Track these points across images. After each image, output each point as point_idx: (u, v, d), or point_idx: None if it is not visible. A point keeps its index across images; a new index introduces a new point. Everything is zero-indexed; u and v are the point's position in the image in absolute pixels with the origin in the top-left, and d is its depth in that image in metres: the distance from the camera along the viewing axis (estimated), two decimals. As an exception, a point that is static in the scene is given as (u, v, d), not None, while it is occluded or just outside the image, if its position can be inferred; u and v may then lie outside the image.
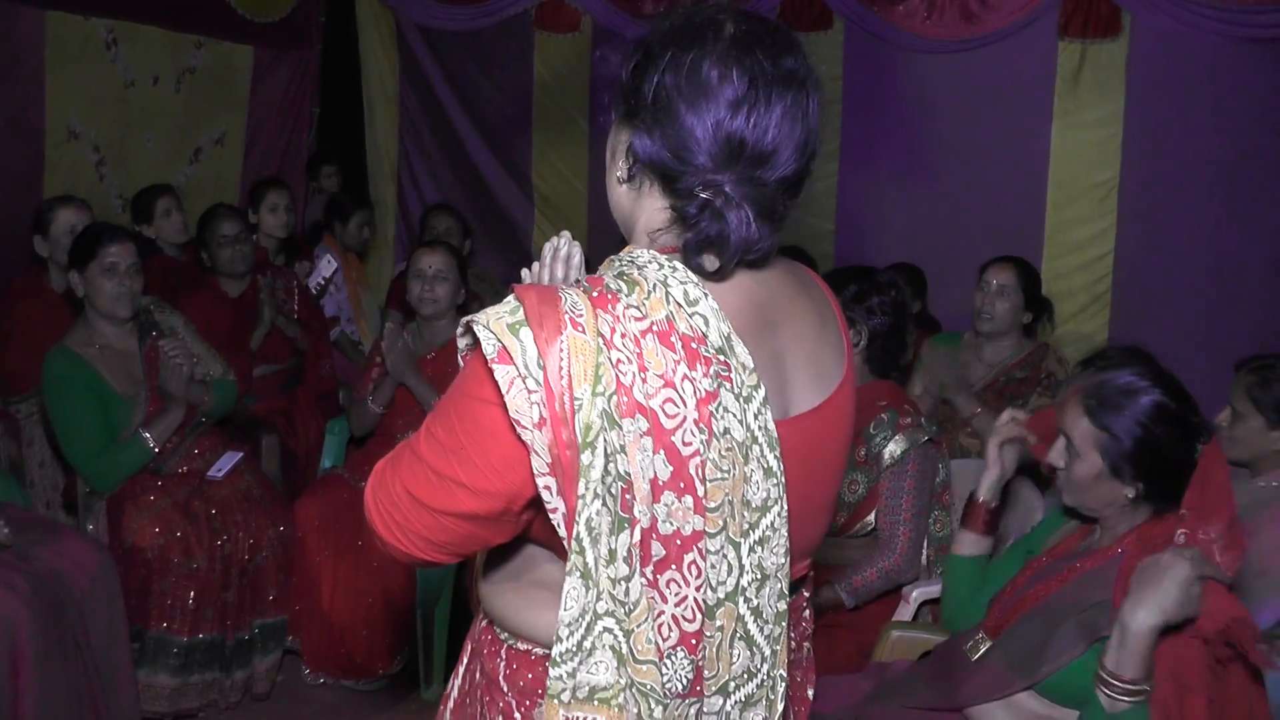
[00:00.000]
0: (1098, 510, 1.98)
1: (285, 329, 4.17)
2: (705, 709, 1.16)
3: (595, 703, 1.11)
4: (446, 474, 1.14)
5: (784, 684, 1.20)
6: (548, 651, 1.15)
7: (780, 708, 1.20)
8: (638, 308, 1.12)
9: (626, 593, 1.10)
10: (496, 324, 1.10)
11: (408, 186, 6.77)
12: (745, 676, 1.17)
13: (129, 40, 5.43)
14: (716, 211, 1.13)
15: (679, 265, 1.16)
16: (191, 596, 3.03)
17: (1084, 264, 5.20)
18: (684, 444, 1.10)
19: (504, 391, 1.08)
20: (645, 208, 1.22)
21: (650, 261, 1.17)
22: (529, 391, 1.08)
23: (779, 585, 1.17)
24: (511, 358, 1.08)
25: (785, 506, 1.16)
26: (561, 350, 1.08)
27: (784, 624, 1.19)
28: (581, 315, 1.10)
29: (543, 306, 1.10)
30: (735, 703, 1.17)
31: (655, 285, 1.14)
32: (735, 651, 1.16)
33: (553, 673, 1.11)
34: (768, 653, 1.18)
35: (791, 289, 1.27)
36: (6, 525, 2.66)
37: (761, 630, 1.17)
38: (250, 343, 4.04)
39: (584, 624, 1.10)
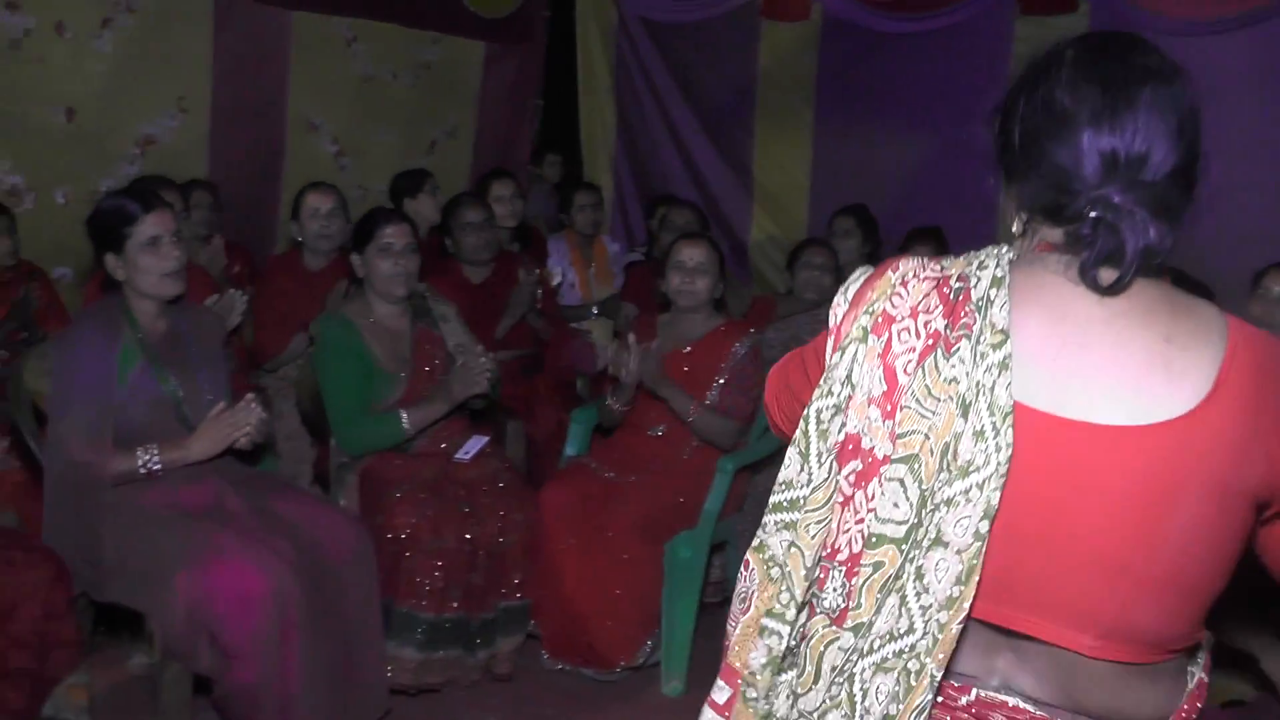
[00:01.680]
0: None
1: (532, 321, 4.23)
2: (841, 644, 1.19)
3: (765, 562, 1.26)
4: (809, 367, 1.37)
5: (932, 680, 1.14)
6: None
7: (919, 700, 1.13)
8: (944, 268, 1.26)
9: (815, 487, 1.24)
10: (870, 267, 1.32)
11: (624, 177, 6.77)
12: (887, 638, 1.15)
13: (368, 37, 5.62)
14: (1110, 225, 1.13)
15: (1006, 249, 1.26)
16: (439, 575, 3.07)
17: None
18: (903, 372, 1.20)
19: (832, 306, 1.32)
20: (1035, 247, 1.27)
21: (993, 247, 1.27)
22: (836, 307, 1.30)
23: (959, 567, 1.13)
24: (843, 286, 1.32)
25: (994, 485, 1.12)
26: (874, 285, 1.26)
27: (956, 616, 1.13)
28: (903, 264, 1.28)
29: (891, 260, 1.30)
30: (871, 663, 1.16)
31: (969, 258, 1.26)
32: (887, 603, 1.16)
33: (764, 517, 1.28)
34: (920, 629, 1.14)
35: (1145, 304, 1.18)
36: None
37: (919, 598, 1.15)
38: (495, 331, 4.12)
39: (789, 497, 1.26)
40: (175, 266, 2.81)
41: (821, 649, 1.20)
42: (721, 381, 3.46)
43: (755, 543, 1.28)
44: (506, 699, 3.24)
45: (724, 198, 6.43)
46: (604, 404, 3.62)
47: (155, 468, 2.75)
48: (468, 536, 3.12)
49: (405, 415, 3.28)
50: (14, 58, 4.51)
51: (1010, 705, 1.22)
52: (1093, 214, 1.14)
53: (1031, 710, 1.21)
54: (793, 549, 1.24)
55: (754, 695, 1.26)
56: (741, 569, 1.29)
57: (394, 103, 5.77)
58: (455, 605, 3.12)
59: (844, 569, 1.20)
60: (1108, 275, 1.15)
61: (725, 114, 6.37)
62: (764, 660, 1.25)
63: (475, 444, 3.39)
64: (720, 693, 1.29)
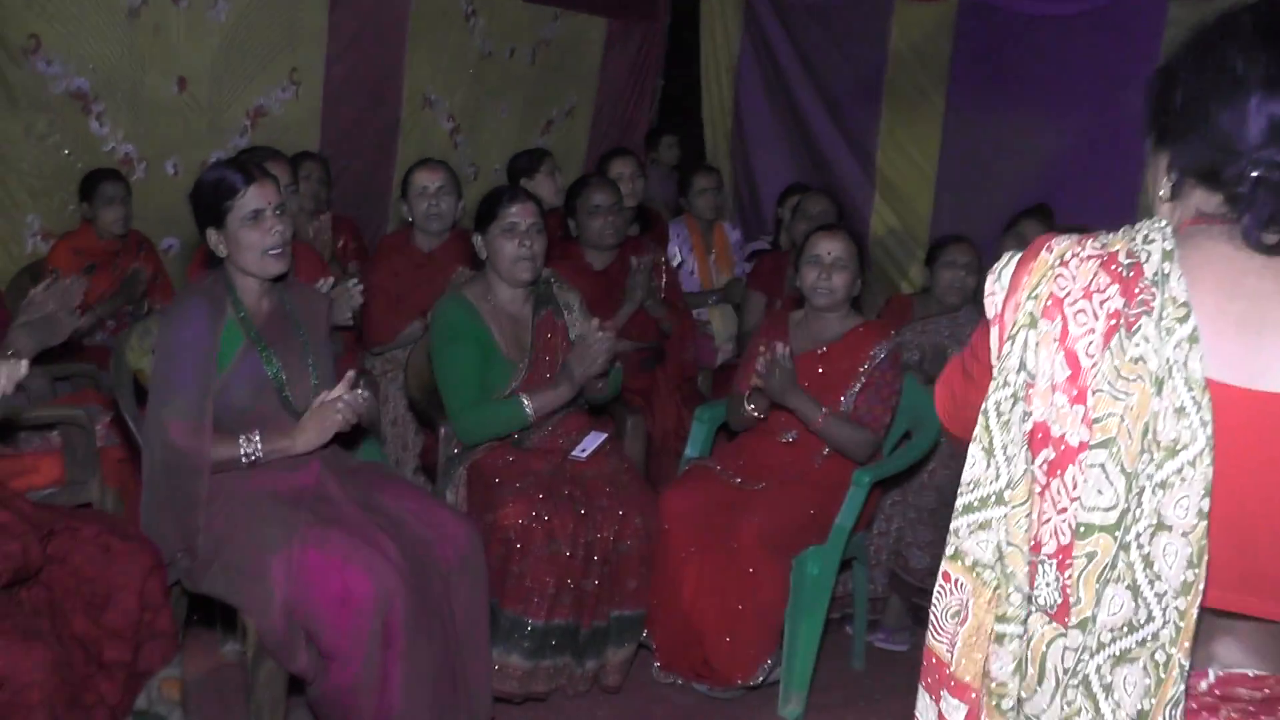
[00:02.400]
0: None
1: (651, 310, 4.01)
2: (1068, 644, 1.16)
3: (973, 574, 1.25)
4: (969, 368, 1.36)
5: (1181, 670, 1.12)
6: None
7: (1172, 692, 1.11)
8: (1104, 245, 1.22)
9: (1013, 481, 1.22)
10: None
11: (742, 161, 6.54)
12: (1125, 629, 1.13)
13: (488, 12, 5.53)
14: (1273, 185, 1.14)
15: (1163, 222, 1.22)
16: (551, 580, 2.90)
17: None
18: (1086, 355, 1.17)
19: (985, 295, 1.29)
20: (1184, 215, 1.26)
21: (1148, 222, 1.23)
22: (993, 295, 1.28)
23: (1188, 550, 1.11)
24: (995, 269, 1.29)
25: (1207, 461, 1.10)
26: (1029, 267, 1.24)
27: (1194, 601, 1.11)
28: (1058, 244, 1.24)
29: (1044, 238, 1.26)
30: (1107, 658, 1.14)
31: (1127, 233, 1.22)
32: (1106, 593, 1.14)
33: (952, 524, 1.27)
34: (1160, 618, 1.12)
35: None
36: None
37: (1152, 586, 1.12)
38: (614, 320, 3.87)
39: (979, 496, 1.24)
40: (279, 242, 2.65)
41: (1044, 648, 1.19)
42: (858, 387, 3.20)
43: (950, 551, 1.29)
44: (614, 711, 3.08)
45: (845, 186, 6.15)
46: (732, 403, 3.38)
47: (257, 458, 2.61)
48: (583, 541, 2.93)
49: (528, 402, 3.11)
50: (131, 26, 4.53)
51: (1251, 676, 1.20)
52: (1254, 174, 1.14)
53: (1272, 673, 1.20)
54: (1008, 548, 1.23)
55: (1009, 705, 1.23)
56: (941, 581, 1.29)
57: (512, 80, 5.67)
58: (566, 612, 2.94)
59: (1054, 562, 1.19)
60: (1271, 236, 1.15)
61: (850, 98, 6.11)
62: (1012, 667, 1.23)
63: (593, 440, 3.20)
64: (956, 712, 1.28)
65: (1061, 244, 1.24)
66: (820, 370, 3.24)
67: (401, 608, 2.43)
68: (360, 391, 2.68)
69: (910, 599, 3.55)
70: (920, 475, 3.49)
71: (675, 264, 4.57)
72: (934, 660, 1.30)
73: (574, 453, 3.18)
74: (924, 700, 1.33)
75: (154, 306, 4.27)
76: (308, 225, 4.18)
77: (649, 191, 5.84)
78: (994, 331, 1.27)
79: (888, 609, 3.61)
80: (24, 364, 2.18)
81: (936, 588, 1.29)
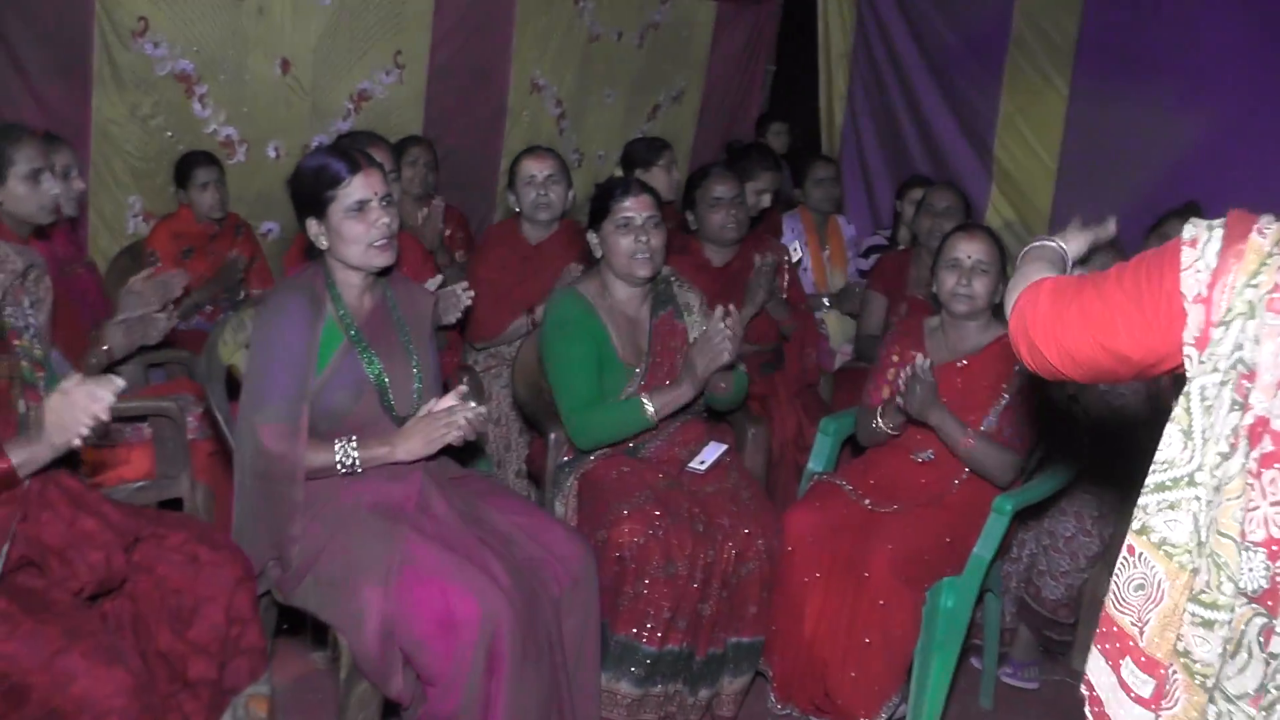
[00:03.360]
0: None
1: (774, 311, 3.75)
2: (1277, 629, 1.19)
3: (1161, 552, 1.28)
4: (1118, 313, 1.35)
5: None
6: None
7: None
8: None
9: (1223, 469, 1.23)
10: (1201, 222, 1.32)
11: (853, 150, 6.25)
12: None
13: (597, -6, 5.33)
14: None
15: None
16: (667, 605, 2.67)
17: None
18: None
19: (1182, 269, 1.30)
20: None
21: None
22: (1198, 272, 1.28)
23: None
24: (1197, 244, 1.30)
25: None
26: (1237, 249, 1.25)
27: None
28: (1269, 229, 1.26)
29: (1242, 217, 1.29)
30: None
31: None
32: None
33: (1139, 501, 1.32)
34: None
35: None
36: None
37: None
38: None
39: (1172, 476, 1.29)
40: (385, 235, 2.45)
41: (1243, 627, 1.22)
42: (1003, 404, 2.91)
43: (1136, 526, 1.33)
44: (727, 744, 2.85)
45: (960, 177, 5.81)
46: (862, 416, 3.10)
47: (355, 467, 2.42)
48: (702, 562, 2.69)
49: (648, 402, 2.88)
50: (236, 8, 4.49)
51: None
52: None
53: None
54: (1221, 539, 1.24)
55: (1211, 684, 1.25)
56: (1125, 554, 1.33)
57: (619, 64, 5.50)
58: (681, 637, 2.71)
59: (1263, 551, 1.21)
60: None
61: (968, 83, 5.78)
62: (1219, 650, 1.25)
63: (713, 451, 2.96)
64: (1144, 685, 1.32)
65: (1271, 230, 1.26)
66: (960, 384, 2.95)
67: (508, 633, 2.22)
68: (477, 407, 2.46)
69: (1040, 630, 3.26)
70: (1058, 500, 3.17)
71: (795, 260, 4.30)
72: (1115, 629, 1.35)
73: (692, 464, 2.94)
74: (1098, 662, 1.37)
75: (251, 292, 4.17)
76: (414, 212, 4.02)
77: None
78: (1197, 310, 1.28)
79: (1016, 640, 3.32)
80: (119, 381, 2.01)
81: (1120, 559, 1.34)
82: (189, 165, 4.13)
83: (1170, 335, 1.31)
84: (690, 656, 2.75)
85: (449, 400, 2.45)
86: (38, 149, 2.98)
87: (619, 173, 4.36)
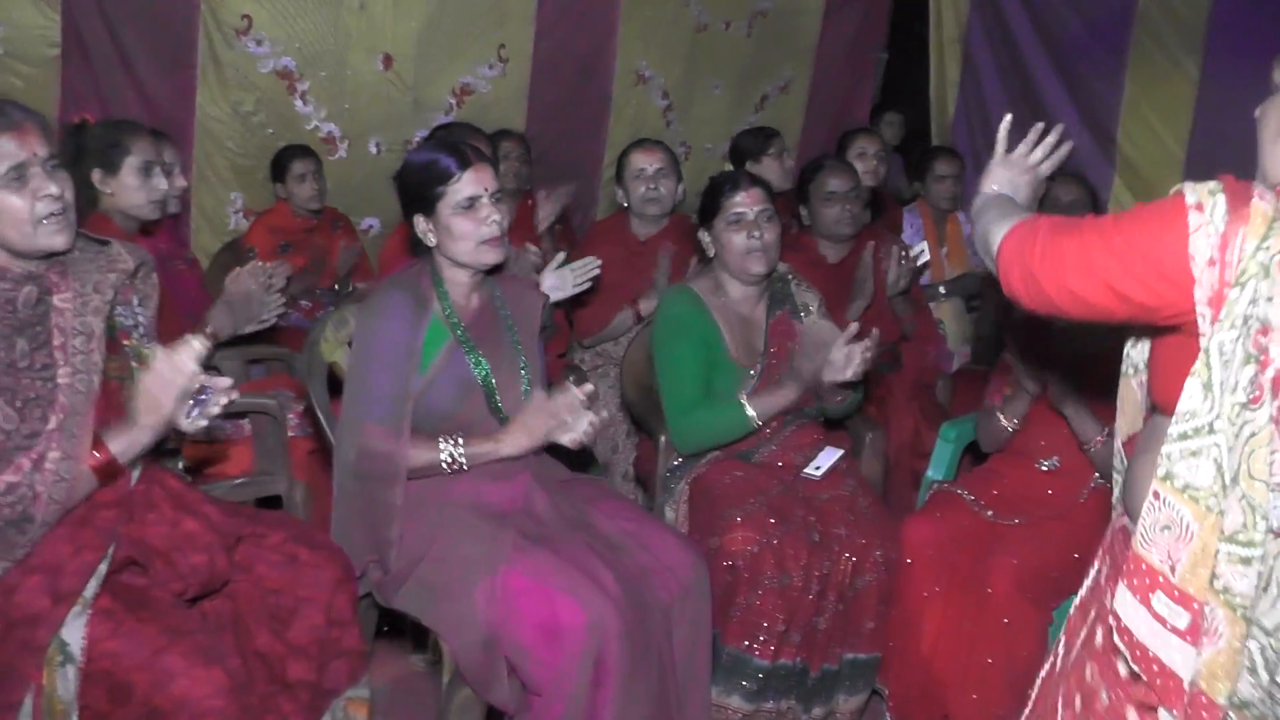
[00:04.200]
0: None
1: (898, 308, 3.65)
2: None
3: (1186, 496, 1.40)
4: (1120, 258, 1.45)
5: None
6: None
7: None
8: None
9: (1243, 417, 1.35)
10: (1200, 187, 1.41)
11: (967, 140, 6.06)
12: None
13: (704, -18, 5.28)
14: None
15: None
16: (781, 617, 2.58)
17: None
18: None
19: (1190, 232, 1.39)
20: None
21: None
22: (1207, 236, 1.38)
23: None
24: (1204, 209, 1.39)
25: None
26: (1243, 214, 1.37)
27: None
28: (1267, 195, 1.39)
29: (1236, 183, 1.42)
30: None
31: None
32: None
33: (1162, 450, 1.42)
34: None
35: None
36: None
37: None
38: (845, 316, 3.52)
39: (1194, 426, 1.39)
40: (496, 232, 2.41)
41: (1272, 562, 1.34)
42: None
43: (1160, 473, 1.42)
44: (842, 765, 2.74)
45: (1081, 167, 5.59)
46: (982, 419, 2.98)
47: (460, 463, 2.38)
48: (817, 573, 2.60)
49: (749, 406, 2.80)
50: (337, 5, 4.56)
51: None
52: None
53: None
54: (1254, 482, 1.33)
55: (1248, 614, 1.35)
56: (1151, 499, 1.43)
57: (726, 54, 5.43)
58: (794, 651, 2.62)
59: None
60: None
61: (1089, 67, 5.56)
62: (1254, 582, 1.34)
63: (829, 457, 2.87)
64: (1179, 618, 1.41)
65: (1269, 197, 1.38)
66: (1097, 376, 2.80)
67: (616, 643, 2.16)
68: (593, 417, 2.42)
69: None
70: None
71: (921, 261, 4.18)
72: (1144, 566, 1.45)
73: (807, 470, 2.85)
74: (1126, 596, 1.47)
75: (354, 287, 4.19)
76: (511, 208, 4.01)
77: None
78: (1210, 272, 1.37)
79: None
80: (197, 344, 1.98)
81: (1146, 504, 1.44)
82: (286, 158, 4.18)
83: (1173, 289, 1.41)
84: (804, 672, 2.66)
85: (575, 395, 2.41)
86: (150, 143, 3.04)
87: (728, 167, 4.29)
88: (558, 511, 2.38)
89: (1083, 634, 1.70)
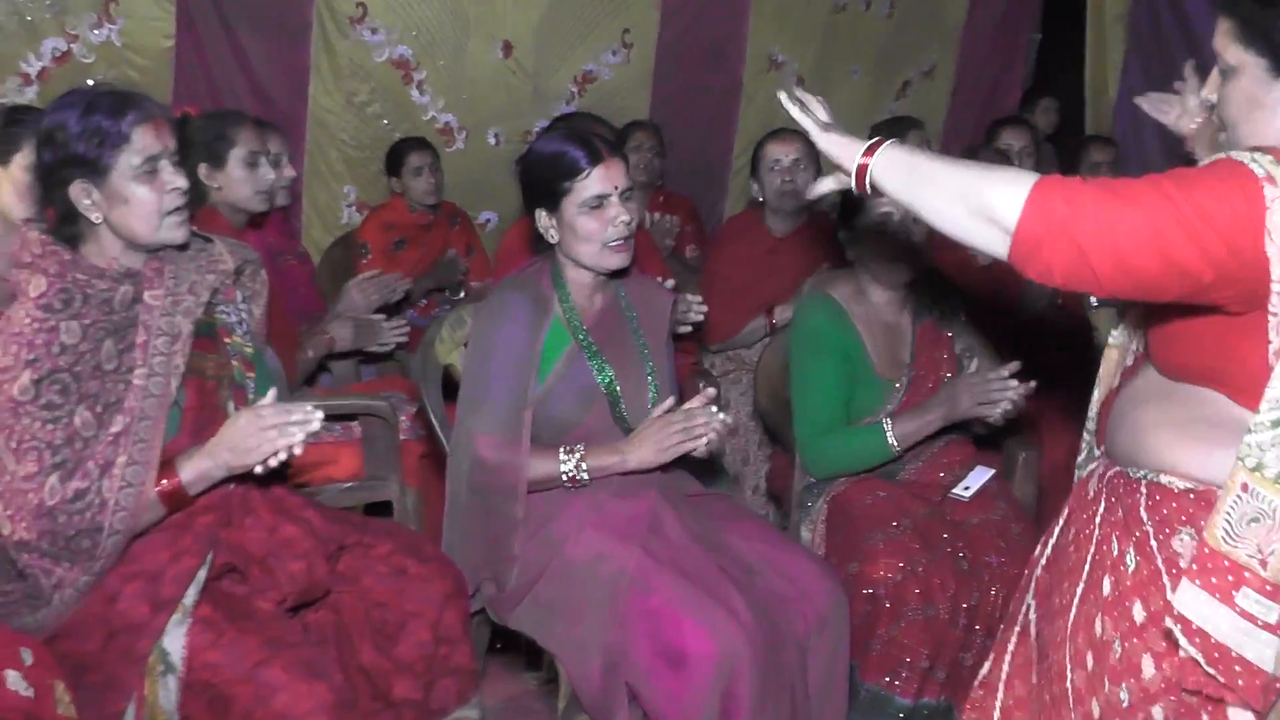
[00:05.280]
0: None
1: (1051, 315, 3.47)
2: None
3: (1274, 482, 1.41)
4: (1191, 233, 1.41)
5: None
6: (1193, 485, 1.54)
7: None
8: None
9: None
10: (1262, 158, 1.41)
11: (1128, 129, 5.81)
12: None
13: (846, -41, 5.21)
14: None
15: None
16: (925, 652, 2.46)
17: None
18: None
19: (1267, 207, 1.39)
20: None
21: None
22: (1264, 200, 1.38)
23: None
24: (1277, 182, 1.39)
25: None
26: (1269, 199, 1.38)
27: None
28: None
29: (1256, 173, 1.40)
30: None
31: None
32: None
33: (1247, 439, 1.43)
34: None
35: None
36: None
37: None
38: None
39: None
40: (623, 233, 2.33)
41: None
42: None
43: (1250, 463, 1.42)
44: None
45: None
46: None
47: (582, 476, 2.31)
48: (965, 605, 2.48)
49: (891, 431, 2.68)
50: None
51: None
52: None
53: None
54: None
55: None
56: (1239, 491, 1.43)
57: (866, 37, 5.35)
58: (939, 690, 2.51)
59: None
60: None
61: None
62: None
63: (979, 477, 2.74)
64: (1270, 612, 1.42)
65: None
66: None
67: (747, 675, 2.08)
68: (723, 416, 2.32)
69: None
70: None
71: None
72: (1226, 564, 1.44)
73: (956, 490, 2.73)
74: (1201, 597, 1.45)
75: (471, 285, 4.18)
76: (641, 204, 3.95)
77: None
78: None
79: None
80: (318, 417, 1.93)
81: (1232, 497, 1.43)
82: (402, 151, 4.16)
83: (1244, 268, 1.40)
84: (948, 712, 2.53)
85: (695, 402, 2.33)
86: (255, 133, 3.06)
87: None
88: (687, 531, 2.30)
89: (1079, 590, 1.67)
